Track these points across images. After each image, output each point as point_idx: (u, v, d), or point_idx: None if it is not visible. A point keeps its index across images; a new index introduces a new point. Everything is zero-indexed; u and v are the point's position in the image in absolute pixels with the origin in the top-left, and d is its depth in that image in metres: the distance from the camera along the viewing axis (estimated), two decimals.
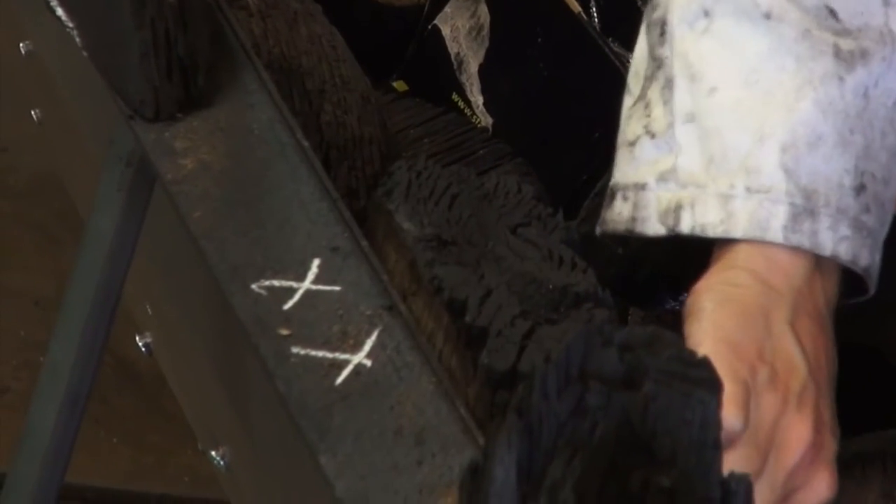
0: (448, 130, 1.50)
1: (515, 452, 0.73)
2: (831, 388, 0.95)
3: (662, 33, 0.99)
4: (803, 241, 0.93)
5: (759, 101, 0.95)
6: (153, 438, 2.08)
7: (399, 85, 1.58)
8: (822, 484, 0.92)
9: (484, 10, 1.52)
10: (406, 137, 1.46)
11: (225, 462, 1.19)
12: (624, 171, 1.00)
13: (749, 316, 0.92)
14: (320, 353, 0.91)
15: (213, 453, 1.20)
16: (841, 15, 0.96)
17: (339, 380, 0.90)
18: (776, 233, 0.93)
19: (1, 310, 2.17)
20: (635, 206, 0.97)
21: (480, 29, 1.52)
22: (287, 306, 0.93)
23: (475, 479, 0.74)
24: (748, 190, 0.93)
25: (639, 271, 1.12)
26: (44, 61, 1.36)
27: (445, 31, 1.54)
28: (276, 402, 0.90)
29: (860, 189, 0.94)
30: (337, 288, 0.94)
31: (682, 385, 0.77)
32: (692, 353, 0.79)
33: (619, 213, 0.99)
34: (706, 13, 0.97)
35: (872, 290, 0.98)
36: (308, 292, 0.94)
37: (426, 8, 1.56)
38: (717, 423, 0.77)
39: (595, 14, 1.46)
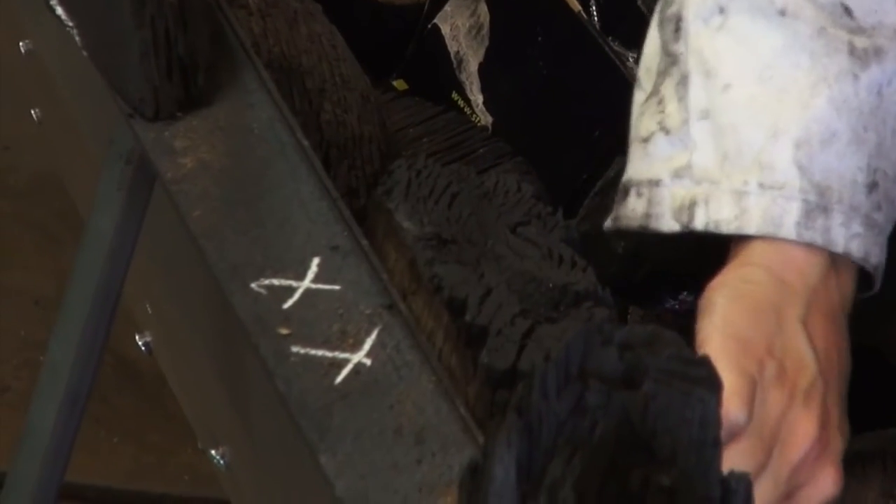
0: (448, 129, 1.50)
1: (515, 451, 0.73)
2: (843, 386, 0.95)
3: (677, 29, 0.99)
4: (816, 237, 0.93)
5: (773, 97, 0.95)
6: (153, 438, 2.08)
7: (399, 84, 1.58)
8: (827, 480, 0.92)
9: (484, 9, 1.51)
10: (406, 136, 1.46)
11: (225, 461, 1.19)
12: (637, 167, 1.00)
13: (761, 312, 0.92)
14: (320, 352, 0.91)
15: (212, 452, 1.20)
16: (856, 13, 0.96)
17: (339, 379, 0.90)
18: (789, 229, 0.93)
19: (1, 309, 2.17)
20: (650, 202, 0.97)
21: (480, 28, 1.52)
22: (287, 305, 0.93)
23: (475, 478, 0.74)
24: (762, 186, 0.93)
25: (639, 269, 1.12)
26: (44, 60, 1.36)
27: (445, 30, 1.54)
28: (275, 401, 0.90)
29: (872, 186, 0.95)
30: (337, 287, 0.94)
31: (682, 384, 0.77)
32: (692, 352, 0.79)
33: (633, 209, 0.99)
34: (721, 10, 0.97)
35: (877, 287, 0.98)
36: (308, 291, 0.94)
37: (426, 7, 1.56)
38: (717, 422, 0.77)
39: (595, 13, 1.46)
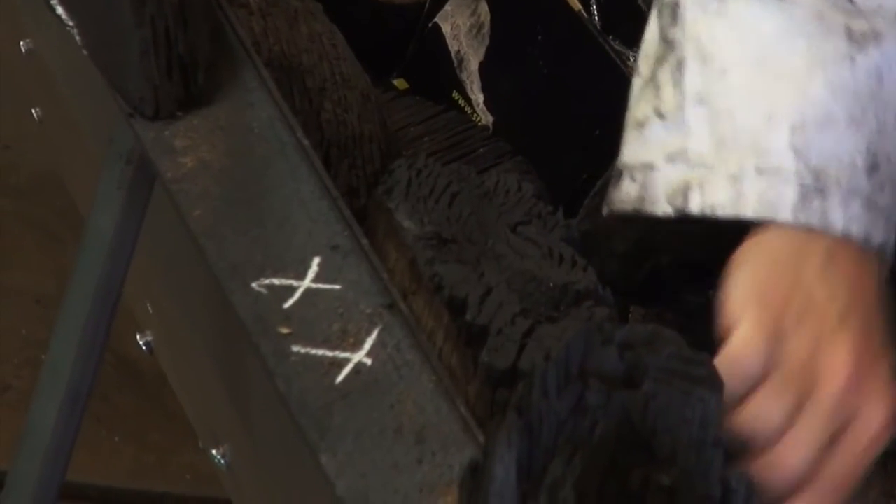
0: (448, 128, 1.50)
1: (515, 451, 0.73)
2: (878, 313, 0.92)
3: (674, 15, 0.99)
4: (813, 220, 0.92)
5: (769, 82, 0.95)
6: (154, 437, 2.08)
7: (399, 83, 1.58)
8: (875, 410, 0.88)
9: (484, 8, 1.51)
10: (406, 135, 1.46)
11: (226, 461, 1.19)
12: (632, 150, 1.00)
13: (781, 260, 0.91)
14: (320, 352, 0.91)
15: (213, 452, 1.20)
16: None
17: (340, 378, 0.90)
18: (786, 213, 0.92)
19: (2, 308, 2.17)
20: (643, 185, 0.97)
21: (481, 27, 1.52)
22: (287, 305, 0.93)
23: (475, 477, 0.74)
24: (758, 170, 0.93)
25: (641, 268, 1.12)
26: (44, 60, 1.36)
27: (446, 29, 1.54)
28: (276, 400, 0.90)
29: (873, 169, 0.94)
30: (337, 286, 0.94)
31: (682, 383, 0.77)
32: (692, 352, 0.79)
33: (626, 192, 0.99)
34: None
35: (886, 270, 0.97)
36: (308, 291, 0.94)
37: (426, 6, 1.56)
38: (718, 421, 0.77)
39: (595, 12, 1.46)
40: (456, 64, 1.53)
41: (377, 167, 1.15)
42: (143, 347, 1.42)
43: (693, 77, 0.97)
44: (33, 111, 1.52)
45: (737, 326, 0.88)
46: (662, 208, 0.96)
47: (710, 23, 0.97)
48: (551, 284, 0.93)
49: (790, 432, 0.85)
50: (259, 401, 1.01)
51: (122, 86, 1.03)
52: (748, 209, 0.93)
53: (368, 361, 0.90)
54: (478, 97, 1.52)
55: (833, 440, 0.87)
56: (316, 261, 0.95)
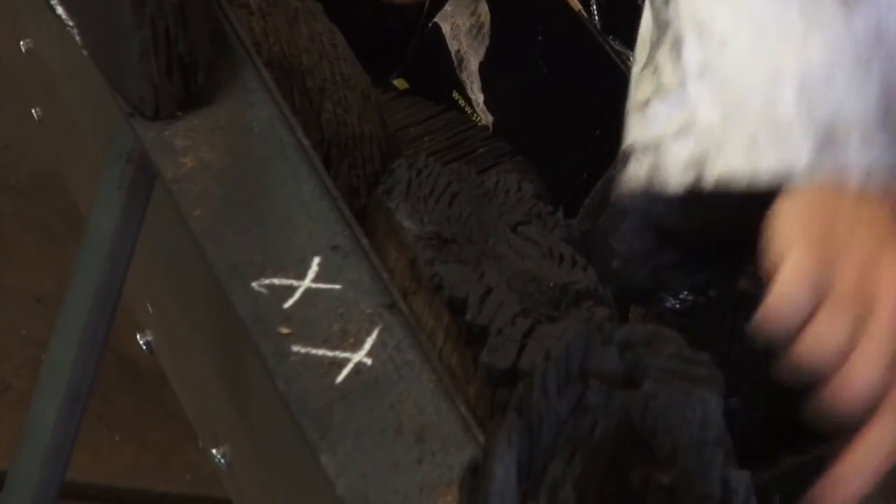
0: (448, 128, 1.50)
1: (516, 451, 0.73)
2: None
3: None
4: (830, 173, 0.93)
5: (769, 47, 0.95)
6: (155, 436, 2.08)
7: (399, 83, 1.58)
8: None
9: (484, 8, 1.52)
10: (406, 135, 1.46)
11: (226, 460, 1.20)
12: (638, 132, 1.00)
13: (817, 202, 0.92)
14: (320, 352, 0.91)
15: (213, 452, 1.20)
16: None
17: (340, 378, 0.90)
18: (803, 170, 0.93)
19: (2, 308, 2.17)
20: (653, 164, 0.98)
21: (481, 27, 1.52)
22: (287, 305, 0.93)
23: (475, 477, 0.74)
24: (770, 133, 0.94)
25: (641, 267, 1.11)
26: (44, 59, 1.36)
27: (446, 29, 1.54)
28: (276, 400, 0.90)
29: (885, 116, 0.95)
30: (337, 286, 0.94)
31: (683, 383, 0.77)
32: (693, 352, 0.79)
33: (635, 173, 0.99)
34: None
35: None
36: (308, 291, 0.94)
37: (426, 6, 1.57)
38: (718, 421, 0.77)
39: (595, 12, 1.46)
40: (456, 64, 1.53)
41: (377, 167, 1.15)
42: (144, 347, 1.42)
43: (692, 52, 0.97)
44: (33, 111, 1.52)
45: (785, 259, 0.88)
46: (675, 184, 0.96)
47: None
48: (551, 284, 0.93)
49: (857, 350, 0.86)
50: (259, 401, 1.01)
51: (123, 86, 1.03)
52: (765, 174, 0.93)
53: (368, 361, 0.90)
54: (478, 97, 1.52)
55: None
56: (316, 261, 0.95)
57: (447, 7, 1.55)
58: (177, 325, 1.27)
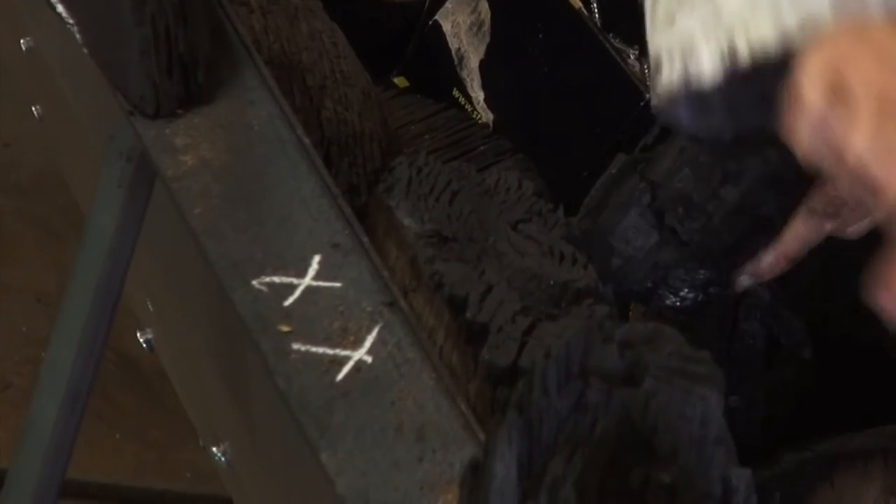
0: (449, 126, 1.50)
1: (516, 449, 0.73)
2: None
3: None
4: (850, 4, 0.93)
5: None
6: (155, 434, 2.09)
7: (400, 81, 1.58)
8: None
9: (485, 6, 1.52)
10: (407, 133, 1.46)
11: (226, 458, 1.20)
12: (663, 38, 1.00)
13: (845, 35, 0.92)
14: (321, 350, 0.91)
15: (214, 450, 1.21)
16: None
17: (340, 376, 0.90)
18: (825, 14, 0.93)
19: (3, 306, 2.17)
20: (685, 63, 0.98)
21: (481, 25, 1.52)
22: (288, 303, 0.93)
23: (476, 475, 0.74)
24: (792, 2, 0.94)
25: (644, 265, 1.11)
26: (45, 58, 1.36)
27: (446, 27, 1.54)
28: (276, 398, 0.90)
29: None
30: (338, 284, 0.94)
31: (683, 381, 0.77)
32: (693, 350, 0.79)
33: (668, 77, 0.99)
34: None
35: None
36: (309, 289, 0.94)
37: (427, 4, 1.57)
38: (718, 419, 0.77)
39: (596, 10, 1.46)
40: (456, 62, 1.53)
41: (377, 165, 1.15)
42: (144, 345, 1.42)
43: None
44: (34, 109, 1.52)
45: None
46: (710, 75, 0.96)
47: None
48: (552, 282, 0.93)
49: None
50: (259, 399, 1.01)
51: (123, 84, 1.03)
52: (793, 30, 0.93)
53: (369, 359, 0.90)
54: (478, 95, 1.52)
55: None
56: (316, 259, 0.95)
57: (447, 5, 1.55)
58: (177, 324, 1.27)
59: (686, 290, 1.10)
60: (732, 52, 0.96)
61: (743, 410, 1.16)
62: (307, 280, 0.94)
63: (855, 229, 1.06)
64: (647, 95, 1.37)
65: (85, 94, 1.24)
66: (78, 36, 1.08)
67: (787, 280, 1.12)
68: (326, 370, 0.90)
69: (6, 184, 2.34)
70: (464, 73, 1.53)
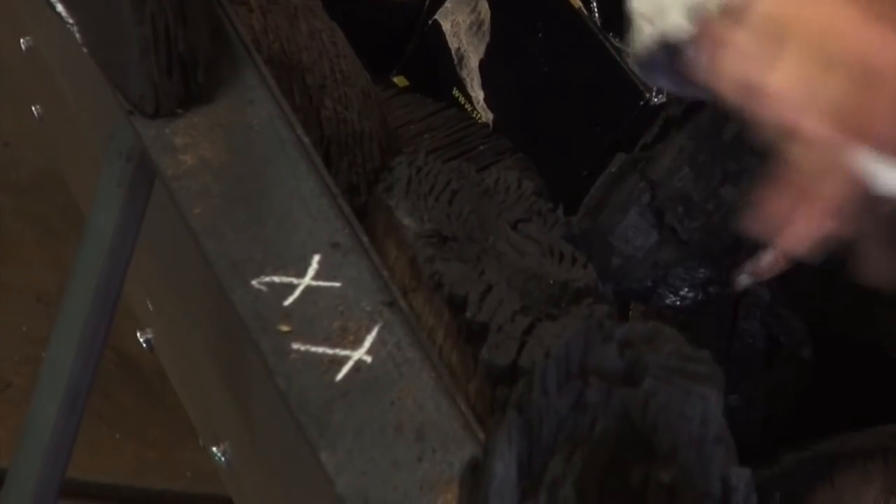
0: (448, 126, 1.50)
1: (515, 448, 0.73)
2: None
3: None
4: None
5: None
6: (155, 434, 2.09)
7: (399, 80, 1.58)
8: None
9: (484, 6, 1.51)
10: (406, 133, 1.46)
11: (226, 458, 1.20)
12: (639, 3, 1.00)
13: None
14: (320, 350, 0.91)
15: (214, 449, 1.20)
16: None
17: (340, 376, 0.90)
18: None
19: (2, 305, 2.17)
20: (658, 18, 0.98)
21: (481, 24, 1.52)
22: (287, 302, 0.93)
23: (475, 475, 0.74)
24: None
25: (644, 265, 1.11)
26: (44, 57, 1.36)
27: (446, 27, 1.54)
28: (276, 398, 0.90)
29: None
30: (337, 284, 0.94)
31: (682, 380, 0.77)
32: (692, 349, 0.79)
33: (644, 34, 0.99)
34: None
35: None
36: (308, 288, 0.94)
37: (426, 3, 1.57)
38: (718, 418, 0.77)
39: (595, 9, 1.46)
40: (456, 61, 1.53)
41: (377, 165, 1.15)
42: (144, 345, 1.42)
43: None
44: (34, 108, 1.52)
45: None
46: (680, 33, 0.96)
47: None
48: (551, 282, 0.93)
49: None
50: (259, 398, 1.01)
51: (123, 83, 1.03)
52: None
53: (368, 359, 0.90)
54: (478, 94, 1.52)
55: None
56: (316, 258, 0.95)
57: (447, 4, 1.55)
58: (177, 323, 1.27)
59: (686, 289, 1.11)
60: (700, 11, 0.96)
61: (743, 410, 1.16)
62: (307, 280, 0.94)
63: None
64: (647, 95, 1.37)
65: (85, 93, 1.24)
66: (78, 35, 1.08)
67: (786, 279, 1.12)
68: (326, 370, 0.90)
69: (6, 183, 2.34)
70: (463, 73, 1.53)
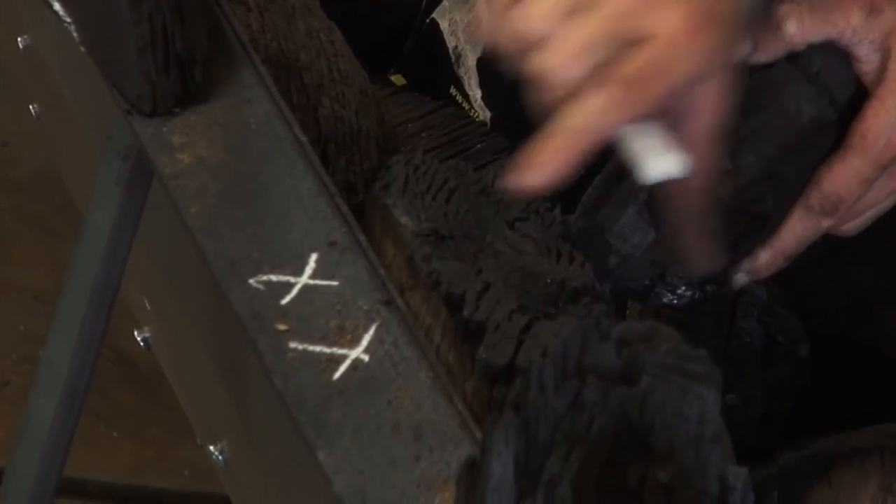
0: (446, 125, 1.50)
1: (513, 447, 0.73)
2: None
3: None
4: None
5: None
6: (153, 432, 2.09)
7: (397, 79, 1.58)
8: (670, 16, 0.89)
9: None
10: (404, 132, 1.46)
11: (223, 457, 1.20)
12: None
13: None
14: (318, 348, 0.91)
15: (211, 448, 1.21)
16: None
17: (337, 375, 0.90)
18: None
19: (0, 304, 2.17)
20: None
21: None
22: (284, 301, 0.93)
23: (472, 474, 0.74)
24: None
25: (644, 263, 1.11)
26: (42, 56, 1.36)
27: (443, 25, 1.54)
28: (273, 397, 0.90)
29: None
30: (334, 283, 0.94)
31: (680, 379, 0.77)
32: (690, 348, 0.79)
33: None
34: None
35: None
36: (306, 287, 0.94)
37: (424, 2, 1.56)
38: (715, 417, 0.77)
39: None
40: (454, 60, 1.53)
41: (375, 163, 1.15)
42: (141, 343, 1.42)
43: None
44: (31, 107, 1.52)
45: None
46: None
47: None
48: (549, 281, 0.93)
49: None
50: (256, 397, 1.01)
51: (120, 82, 1.03)
52: None
53: (366, 358, 0.90)
54: (476, 93, 1.52)
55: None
56: (313, 257, 0.95)
57: (445, 3, 1.55)
58: (174, 322, 1.27)
59: (683, 287, 1.10)
60: None
61: (740, 408, 1.16)
62: (304, 278, 0.94)
63: (852, 226, 1.06)
64: None
65: (82, 92, 1.24)
66: (75, 34, 1.08)
67: (784, 278, 1.12)
68: (323, 368, 0.90)
69: (3, 182, 2.34)
70: (461, 71, 1.53)
